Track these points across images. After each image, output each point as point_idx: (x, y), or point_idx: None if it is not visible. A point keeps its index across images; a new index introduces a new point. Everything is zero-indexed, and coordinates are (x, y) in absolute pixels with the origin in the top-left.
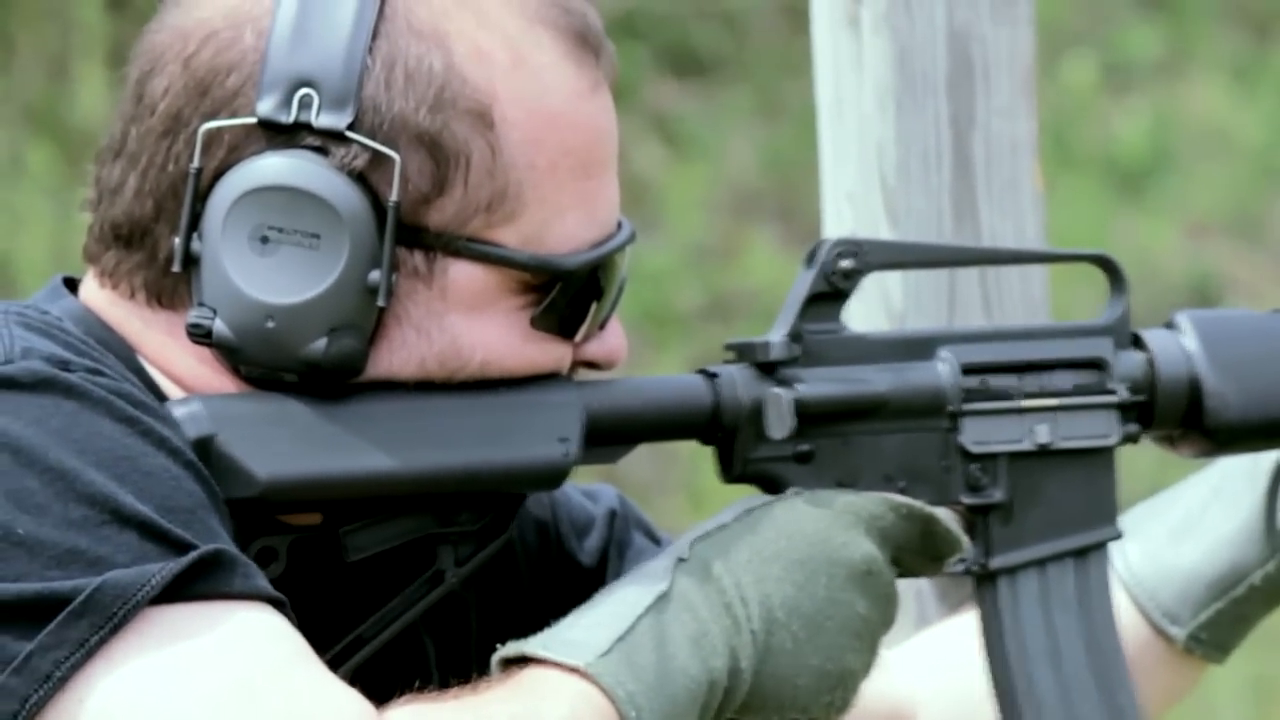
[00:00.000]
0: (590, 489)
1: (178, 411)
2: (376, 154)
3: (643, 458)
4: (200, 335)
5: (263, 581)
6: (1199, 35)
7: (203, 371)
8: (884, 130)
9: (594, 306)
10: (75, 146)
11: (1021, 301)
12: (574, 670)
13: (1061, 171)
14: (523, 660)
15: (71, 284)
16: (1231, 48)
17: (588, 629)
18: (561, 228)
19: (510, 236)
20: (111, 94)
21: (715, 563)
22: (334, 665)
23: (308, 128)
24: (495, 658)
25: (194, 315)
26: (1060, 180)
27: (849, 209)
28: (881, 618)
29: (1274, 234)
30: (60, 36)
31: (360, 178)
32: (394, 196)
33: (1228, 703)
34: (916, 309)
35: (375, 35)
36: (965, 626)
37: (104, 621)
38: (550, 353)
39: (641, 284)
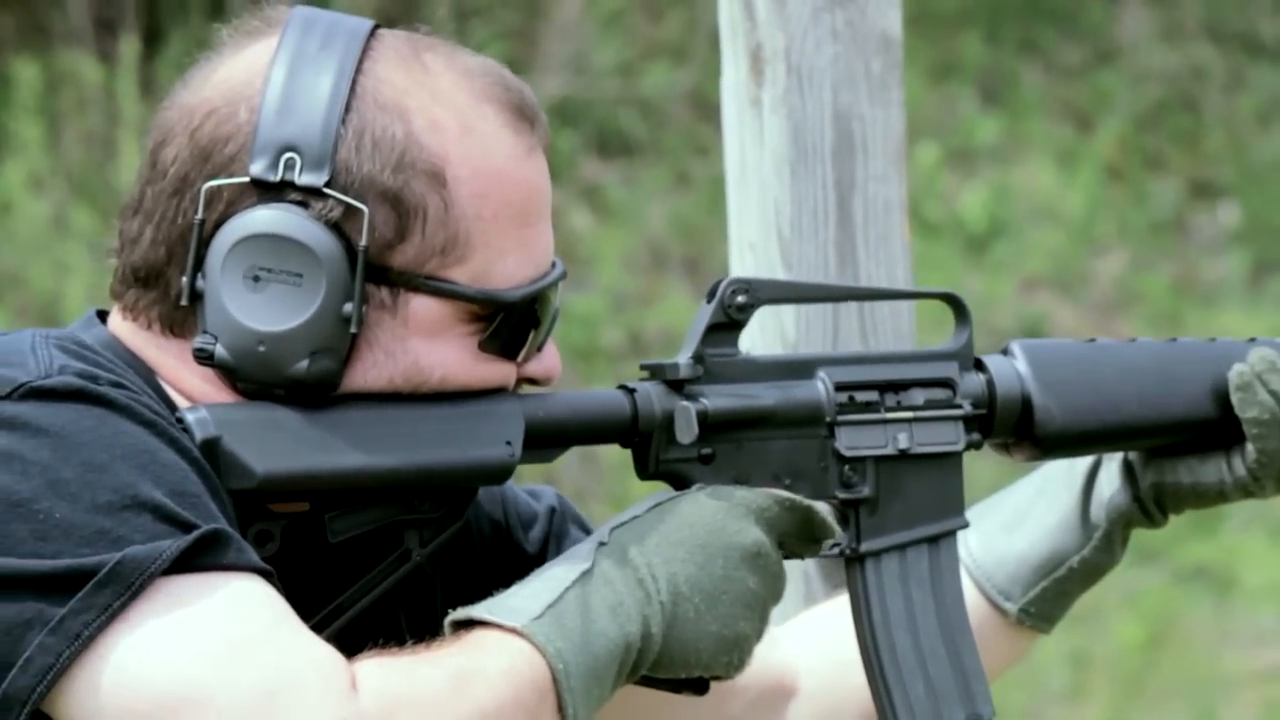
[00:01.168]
0: (534, 489)
1: (189, 417)
2: (349, 207)
3: (575, 465)
4: (204, 358)
5: (254, 556)
6: (1030, 125)
7: (207, 388)
8: (780, 192)
9: (532, 333)
10: (112, 208)
11: (892, 332)
12: (512, 630)
13: (918, 236)
14: (470, 623)
15: (103, 315)
16: (1057, 135)
17: (524, 598)
18: (504, 267)
19: (461, 275)
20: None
21: (630, 546)
22: (318, 630)
23: (292, 185)
24: (447, 621)
25: (199, 341)
26: (917, 243)
27: (751, 257)
28: (770, 592)
29: (1091, 289)
30: (103, 117)
31: (335, 227)
32: (363, 242)
33: (1052, 671)
34: (806, 339)
35: (348, 109)
36: (839, 606)
37: (124, 590)
38: (497, 371)
39: (572, 326)
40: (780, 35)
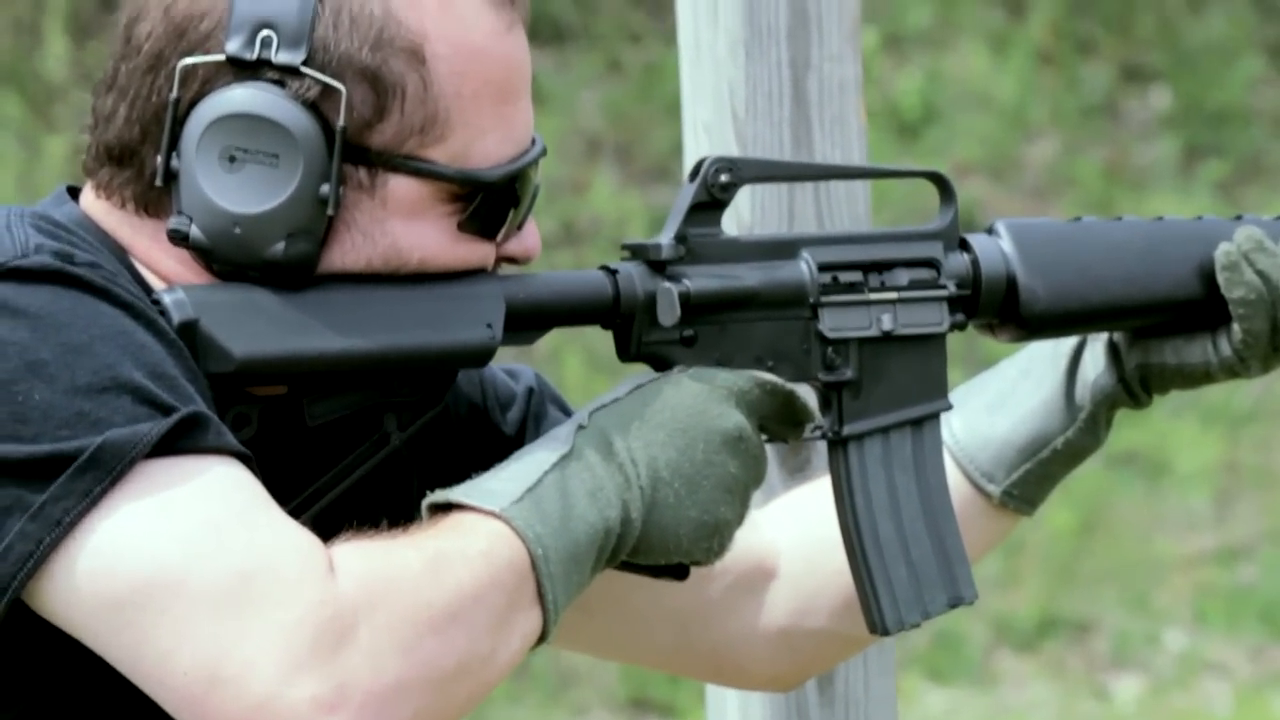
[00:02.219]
0: (512, 368)
1: (166, 299)
2: (326, 86)
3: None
4: (179, 239)
5: (232, 440)
6: (962, 10)
7: (182, 269)
8: (735, 72)
9: (512, 212)
10: (40, 98)
11: (848, 215)
12: (491, 514)
13: None
14: (448, 507)
15: (74, 192)
16: (989, 20)
17: (503, 481)
18: (483, 146)
19: (440, 154)
20: (72, 54)
21: (610, 430)
22: (295, 514)
23: (268, 64)
24: (425, 504)
25: (174, 222)
26: None
27: (705, 138)
28: (751, 477)
29: (1024, 174)
30: (30, 6)
31: (312, 106)
32: (341, 122)
33: (985, 559)
34: (762, 222)
35: None
36: (816, 490)
37: (105, 475)
38: (476, 251)
39: None
40: None
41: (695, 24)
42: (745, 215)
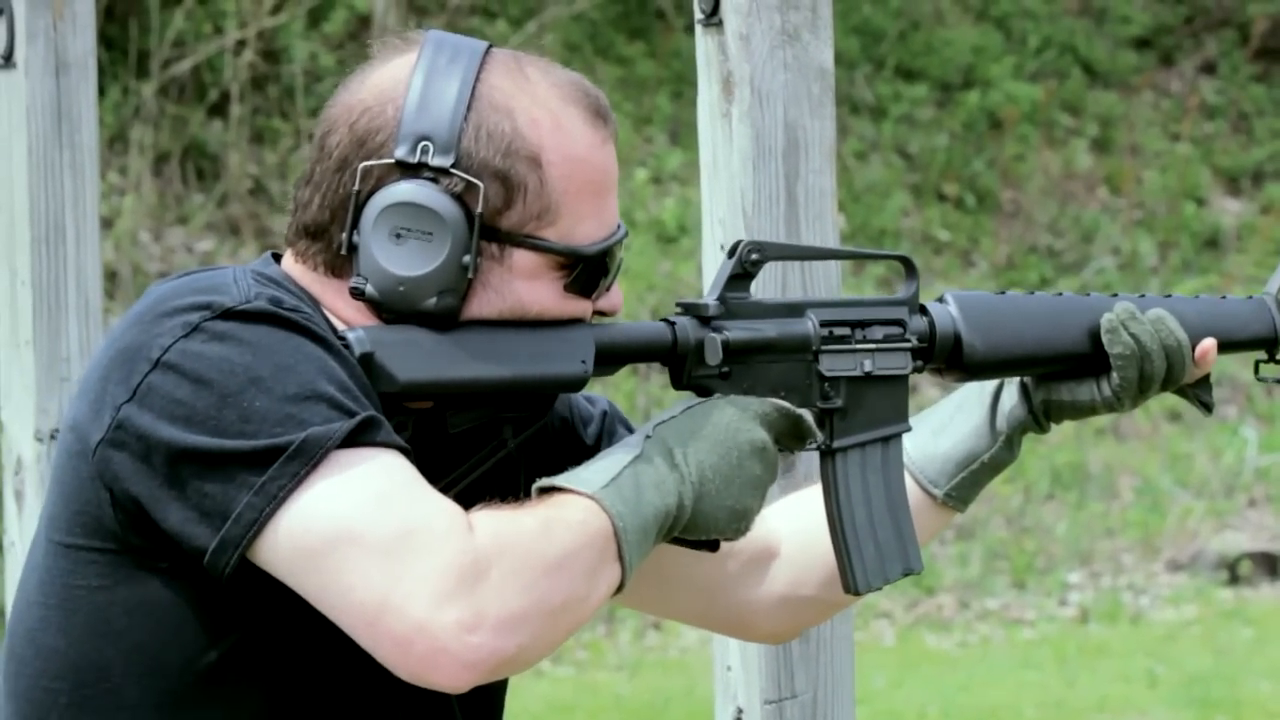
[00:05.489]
0: (591, 397)
1: (350, 336)
2: (469, 183)
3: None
4: (358, 294)
5: (397, 438)
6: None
7: (360, 317)
8: (745, 181)
9: (603, 278)
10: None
11: (824, 287)
12: (586, 495)
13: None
14: (552, 489)
15: (276, 257)
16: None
17: (593, 472)
18: (583, 229)
19: (551, 234)
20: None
21: (670, 439)
22: (441, 494)
23: (426, 166)
24: (535, 486)
25: (354, 282)
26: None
27: (721, 230)
28: (769, 477)
29: None
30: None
31: (458, 197)
32: (479, 209)
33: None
34: (762, 290)
35: (469, 109)
36: (808, 494)
37: (308, 460)
38: (578, 306)
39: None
40: (746, 66)
41: (714, 146)
42: (752, 286)
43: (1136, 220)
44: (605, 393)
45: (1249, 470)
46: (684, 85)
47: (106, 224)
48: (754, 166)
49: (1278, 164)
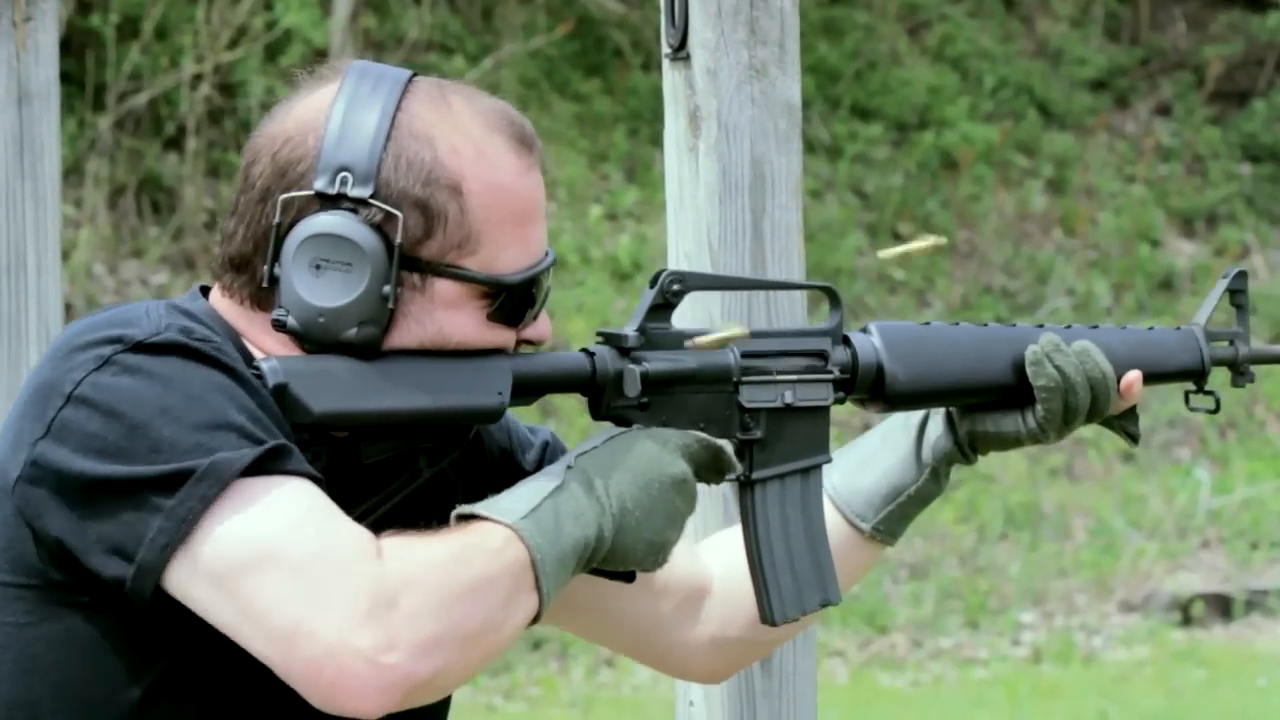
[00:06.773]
0: (534, 427)
1: (264, 366)
2: (388, 213)
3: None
4: (280, 326)
5: (307, 465)
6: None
7: (281, 348)
8: (711, 215)
9: (529, 308)
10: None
11: (789, 315)
12: (504, 524)
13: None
14: (471, 517)
15: (205, 290)
16: None
17: (513, 500)
18: (506, 257)
19: (473, 263)
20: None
21: (591, 470)
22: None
23: (345, 197)
24: (453, 514)
25: (276, 314)
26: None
27: (687, 264)
28: (688, 509)
29: None
30: None
31: (378, 228)
32: (399, 239)
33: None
34: (731, 315)
35: (388, 139)
36: (739, 531)
37: (216, 484)
38: (501, 336)
39: None
40: (713, 100)
41: (680, 180)
42: (716, 315)
43: (1091, 261)
44: (559, 425)
45: (1202, 512)
46: (640, 122)
47: (62, 256)
48: (720, 201)
49: (1232, 206)
